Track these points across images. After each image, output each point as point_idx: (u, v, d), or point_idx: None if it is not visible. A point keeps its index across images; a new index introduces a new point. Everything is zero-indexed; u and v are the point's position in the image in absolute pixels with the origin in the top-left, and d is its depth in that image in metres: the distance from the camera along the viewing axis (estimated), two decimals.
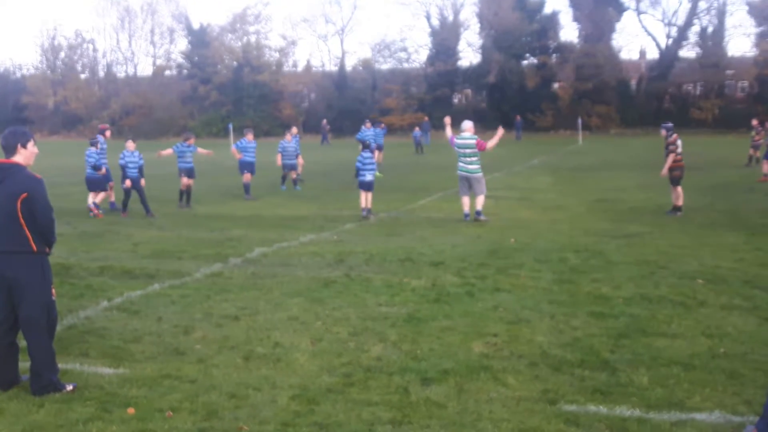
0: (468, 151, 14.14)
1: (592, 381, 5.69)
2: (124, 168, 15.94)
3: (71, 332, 7.06)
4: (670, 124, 15.24)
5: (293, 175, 21.74)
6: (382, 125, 28.12)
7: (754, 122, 28.01)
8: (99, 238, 12.92)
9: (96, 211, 16.05)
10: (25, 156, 5.58)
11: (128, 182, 15.95)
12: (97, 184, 16.38)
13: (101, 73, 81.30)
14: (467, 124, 14.43)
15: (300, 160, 21.94)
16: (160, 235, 13.20)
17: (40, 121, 74.01)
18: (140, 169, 16.06)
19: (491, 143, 14.39)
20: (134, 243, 12.28)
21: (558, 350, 6.39)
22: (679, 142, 14.75)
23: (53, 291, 5.68)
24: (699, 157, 32.35)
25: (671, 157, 14.68)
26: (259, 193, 20.03)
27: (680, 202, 14.79)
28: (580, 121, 51.23)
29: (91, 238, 12.88)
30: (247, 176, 19.43)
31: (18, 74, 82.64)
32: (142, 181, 16.07)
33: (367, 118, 31.12)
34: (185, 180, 17.54)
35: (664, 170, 14.77)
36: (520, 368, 6.00)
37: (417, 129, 43.66)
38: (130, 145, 16.15)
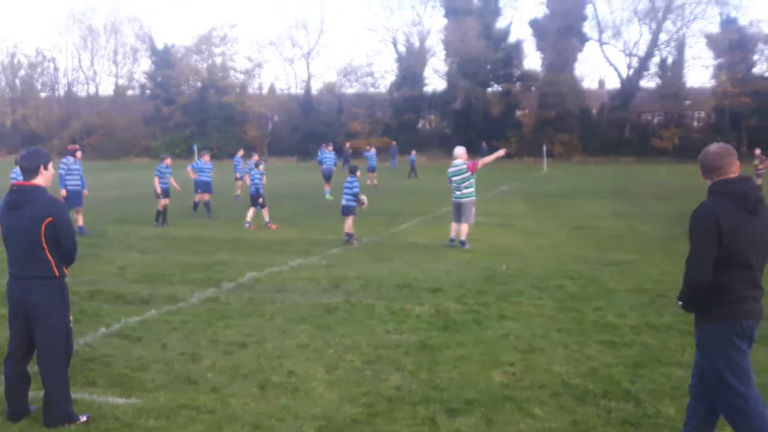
0: (458, 177, 14.04)
1: (619, 412, 5.64)
2: None
3: (73, 360, 6.75)
4: None
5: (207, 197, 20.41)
6: (330, 147, 28.02)
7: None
8: (81, 260, 12.44)
9: (272, 227, 17.32)
10: (45, 178, 5.35)
11: None
12: (255, 200, 17.43)
13: (61, 92, 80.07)
14: (458, 151, 14.25)
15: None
16: (143, 258, 12.90)
17: None
18: None
19: (483, 161, 14.37)
20: (119, 266, 11.97)
21: (578, 380, 6.34)
22: None
23: (71, 318, 5.46)
24: (664, 185, 33.07)
25: None
26: (234, 216, 19.77)
27: None
28: (545, 148, 51.93)
29: None
30: (205, 195, 20.12)
31: None
32: None
33: (323, 142, 31.04)
34: (164, 201, 17.77)
35: None
36: (543, 399, 5.93)
37: (413, 152, 41.87)
38: None
